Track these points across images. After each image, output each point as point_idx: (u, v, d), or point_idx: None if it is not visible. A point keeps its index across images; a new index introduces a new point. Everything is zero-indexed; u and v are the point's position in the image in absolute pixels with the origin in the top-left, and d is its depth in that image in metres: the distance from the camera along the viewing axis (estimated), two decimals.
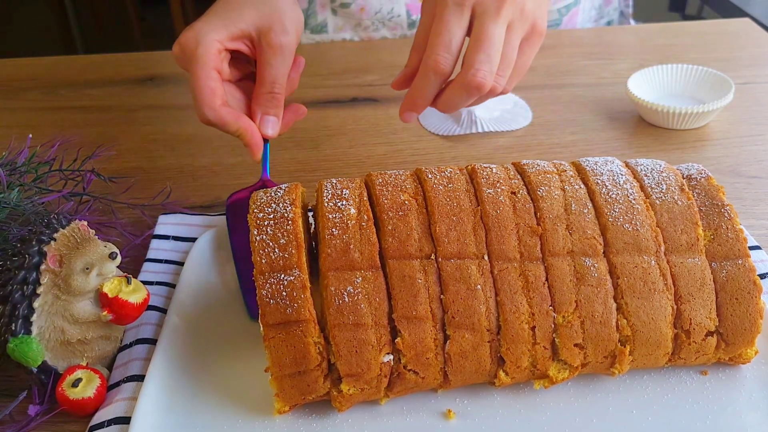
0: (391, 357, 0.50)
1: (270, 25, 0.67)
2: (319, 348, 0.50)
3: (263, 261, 0.51)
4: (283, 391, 0.51)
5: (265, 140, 0.69)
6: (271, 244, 0.52)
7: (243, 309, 0.62)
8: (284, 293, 0.50)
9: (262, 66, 0.68)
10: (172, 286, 0.65)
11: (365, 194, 0.55)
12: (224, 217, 0.73)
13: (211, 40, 0.66)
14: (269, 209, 0.54)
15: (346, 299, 0.50)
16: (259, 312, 0.50)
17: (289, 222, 0.53)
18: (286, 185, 0.57)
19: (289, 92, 0.72)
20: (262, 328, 0.50)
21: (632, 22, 1.24)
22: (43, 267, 0.53)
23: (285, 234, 0.52)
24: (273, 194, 0.56)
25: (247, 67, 0.72)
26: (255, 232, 0.53)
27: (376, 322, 0.50)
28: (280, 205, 0.54)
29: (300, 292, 0.50)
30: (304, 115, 0.73)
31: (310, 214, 0.61)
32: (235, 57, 0.70)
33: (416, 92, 0.63)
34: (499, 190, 0.54)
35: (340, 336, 0.49)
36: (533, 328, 0.51)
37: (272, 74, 0.68)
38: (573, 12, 1.16)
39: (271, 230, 0.53)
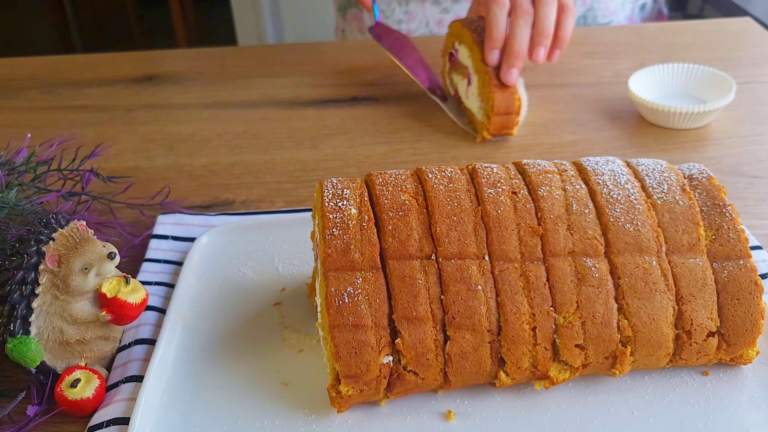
0: (391, 358, 0.50)
1: None
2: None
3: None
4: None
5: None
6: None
7: (241, 310, 0.62)
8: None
9: None
10: (171, 286, 0.65)
11: (366, 194, 0.54)
12: (223, 217, 0.73)
13: None
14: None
15: (346, 300, 0.49)
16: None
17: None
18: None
19: None
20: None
21: (665, 9, 1.26)
22: (41, 267, 0.52)
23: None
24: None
25: None
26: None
27: (376, 323, 0.49)
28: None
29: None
30: None
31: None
32: None
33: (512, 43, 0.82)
34: (499, 190, 0.54)
35: (340, 337, 0.49)
36: (534, 329, 0.50)
37: None
38: None
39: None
